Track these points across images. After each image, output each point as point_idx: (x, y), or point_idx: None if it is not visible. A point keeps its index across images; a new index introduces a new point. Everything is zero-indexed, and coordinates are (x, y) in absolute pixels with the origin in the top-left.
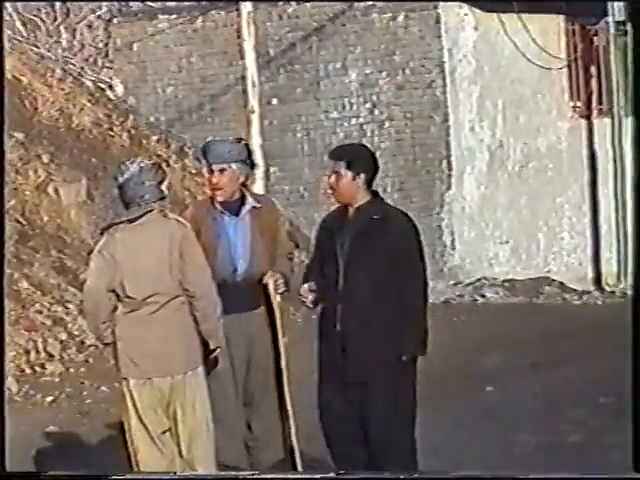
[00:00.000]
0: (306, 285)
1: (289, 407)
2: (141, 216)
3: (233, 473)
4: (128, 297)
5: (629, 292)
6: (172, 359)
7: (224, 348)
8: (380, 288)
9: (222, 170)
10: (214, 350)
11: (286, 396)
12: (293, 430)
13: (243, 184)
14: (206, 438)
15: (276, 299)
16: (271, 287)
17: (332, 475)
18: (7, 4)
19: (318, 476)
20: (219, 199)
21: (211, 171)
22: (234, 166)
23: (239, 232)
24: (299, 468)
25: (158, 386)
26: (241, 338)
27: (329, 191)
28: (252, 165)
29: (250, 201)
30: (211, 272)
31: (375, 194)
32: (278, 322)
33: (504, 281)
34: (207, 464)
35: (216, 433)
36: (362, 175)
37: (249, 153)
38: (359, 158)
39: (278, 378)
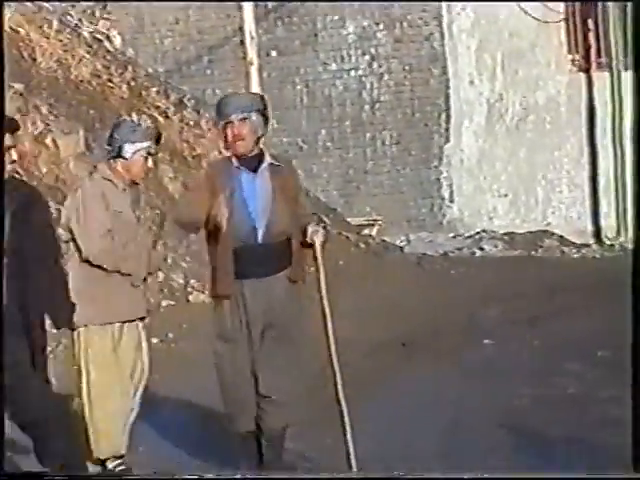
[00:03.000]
0: None
1: (338, 379)
2: None
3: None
4: None
5: (629, 245)
6: None
7: (241, 313)
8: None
9: (243, 120)
10: None
11: (335, 367)
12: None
13: (259, 139)
14: None
15: (322, 257)
16: (318, 244)
17: (328, 475)
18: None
19: (318, 476)
20: (240, 150)
21: (230, 123)
22: (254, 116)
23: (257, 189)
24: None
25: None
26: (259, 304)
27: None
28: (267, 119)
29: (268, 158)
30: (230, 231)
31: None
32: (322, 283)
33: (503, 234)
34: None
35: (229, 399)
36: None
37: (265, 105)
38: None
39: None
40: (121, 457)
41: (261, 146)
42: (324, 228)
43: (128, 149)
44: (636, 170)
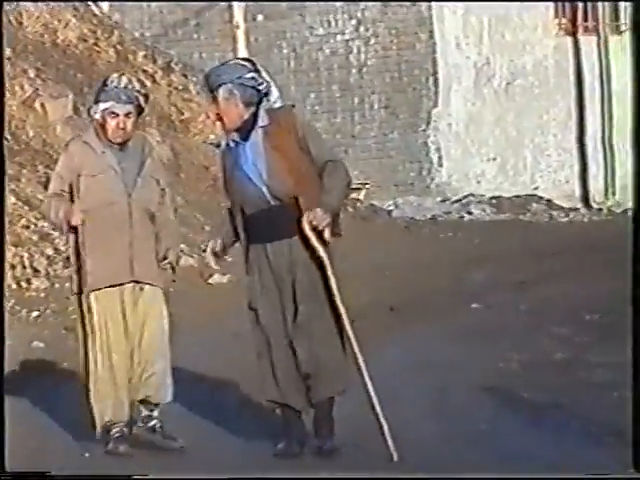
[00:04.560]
0: None
1: (351, 336)
2: None
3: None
4: None
5: (616, 209)
6: None
7: (268, 276)
8: None
9: (214, 98)
10: None
11: (346, 326)
12: (360, 361)
13: (258, 104)
14: None
15: (317, 243)
16: (307, 229)
17: (335, 476)
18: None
19: (322, 476)
20: (228, 128)
21: (212, 99)
22: (221, 91)
23: (252, 156)
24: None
25: None
26: (284, 266)
27: None
28: (257, 81)
29: (261, 120)
30: (239, 203)
31: None
32: (326, 261)
33: (491, 198)
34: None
35: (261, 368)
36: None
37: (250, 70)
38: None
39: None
40: (124, 424)
41: (259, 110)
42: (336, 216)
43: (96, 109)
44: (636, 136)
